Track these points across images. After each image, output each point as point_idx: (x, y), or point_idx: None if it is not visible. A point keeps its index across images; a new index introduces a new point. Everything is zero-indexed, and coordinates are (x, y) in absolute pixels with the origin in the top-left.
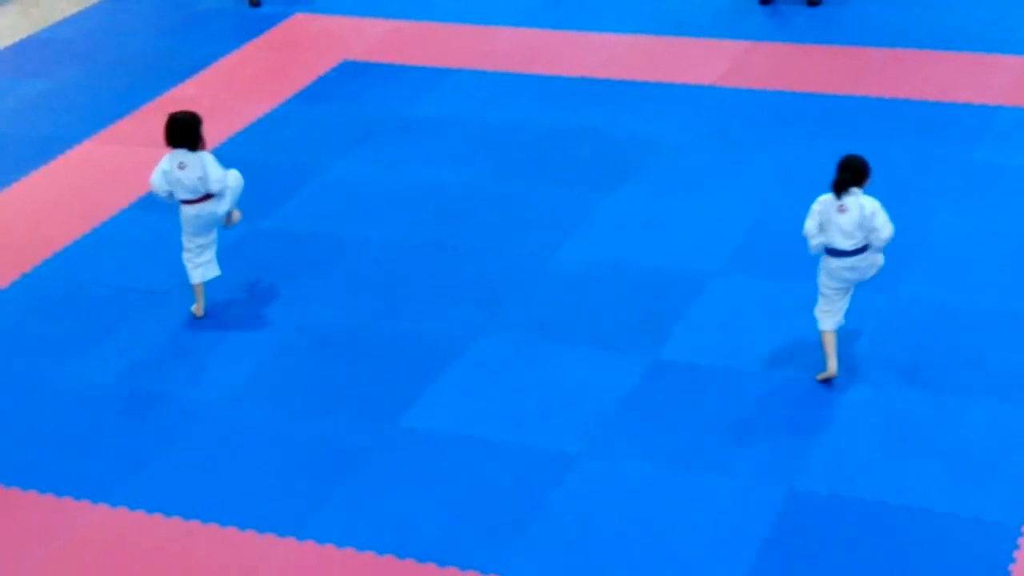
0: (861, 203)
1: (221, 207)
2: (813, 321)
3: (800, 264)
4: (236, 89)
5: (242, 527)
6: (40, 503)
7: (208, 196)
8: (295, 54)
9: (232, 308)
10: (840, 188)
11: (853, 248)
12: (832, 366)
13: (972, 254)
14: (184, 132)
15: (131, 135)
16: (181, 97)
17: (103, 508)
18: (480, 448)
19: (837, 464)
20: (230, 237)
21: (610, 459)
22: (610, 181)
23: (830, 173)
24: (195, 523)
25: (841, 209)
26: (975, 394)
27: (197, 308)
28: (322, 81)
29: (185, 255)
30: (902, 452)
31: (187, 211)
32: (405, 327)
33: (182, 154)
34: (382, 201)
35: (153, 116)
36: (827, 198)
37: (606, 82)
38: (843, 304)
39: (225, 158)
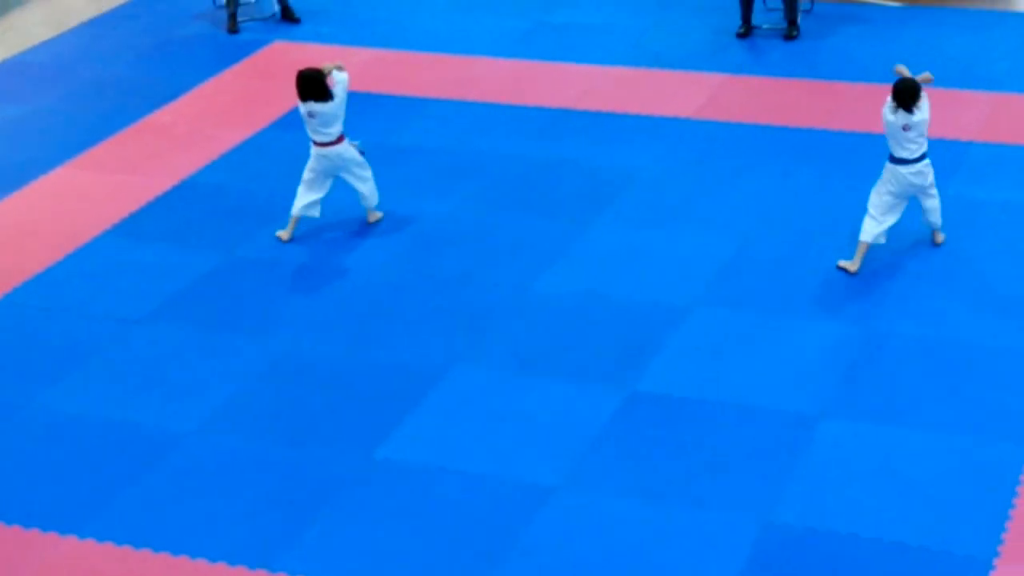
0: (919, 118)
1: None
2: (790, 354)
3: (777, 296)
4: (213, 116)
5: (212, 559)
6: (7, 535)
7: (337, 141)
8: (273, 82)
9: (207, 336)
10: (909, 107)
11: (915, 157)
12: (856, 265)
13: (946, 288)
14: (312, 87)
15: (107, 161)
16: (158, 123)
17: (71, 540)
18: (456, 480)
19: (811, 497)
20: (205, 265)
21: (586, 492)
22: (588, 212)
23: (807, 205)
24: (164, 555)
25: (906, 128)
26: (949, 428)
27: (285, 234)
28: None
29: (302, 186)
30: (876, 485)
31: (317, 151)
32: (382, 357)
33: (311, 105)
34: (360, 230)
35: (129, 142)
36: (894, 118)
37: (585, 113)
38: (890, 219)
39: (202, 185)
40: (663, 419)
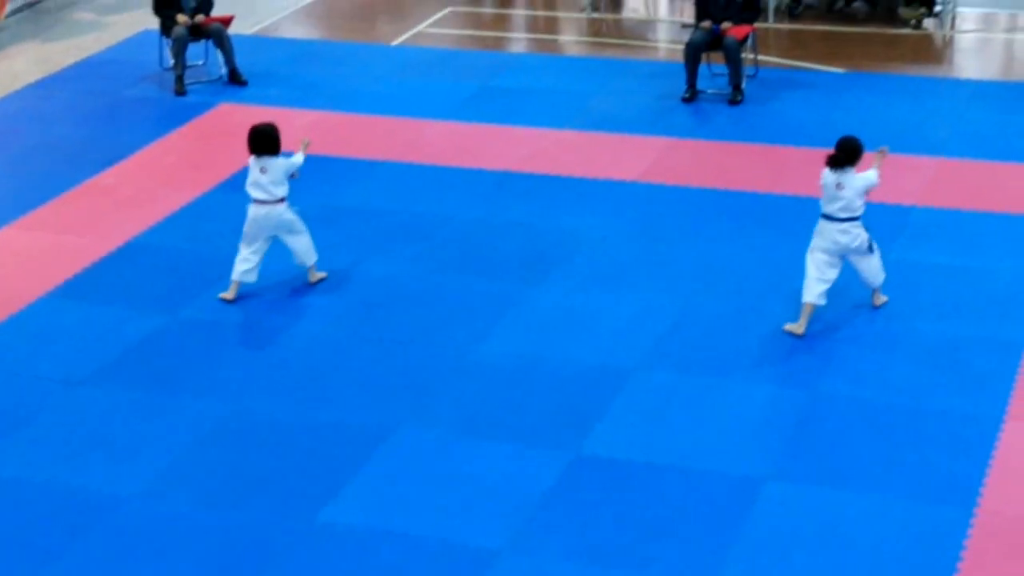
0: (855, 180)
1: (295, 162)
2: (734, 416)
3: (721, 359)
4: (159, 177)
5: None
6: None
7: (279, 202)
8: (220, 143)
9: (151, 398)
10: (835, 164)
11: (847, 216)
12: (802, 327)
13: (888, 351)
14: (265, 141)
15: (51, 222)
16: (103, 185)
17: None
18: (400, 543)
19: (757, 560)
20: (149, 326)
21: (531, 555)
22: (534, 274)
23: (751, 268)
24: None
25: (839, 187)
26: (893, 491)
27: (229, 295)
28: (247, 171)
29: (239, 255)
30: (821, 548)
31: (256, 211)
32: (326, 419)
33: (264, 160)
34: (304, 291)
35: (74, 203)
36: (829, 176)
37: (531, 176)
38: (830, 276)
39: (147, 246)
40: (608, 482)
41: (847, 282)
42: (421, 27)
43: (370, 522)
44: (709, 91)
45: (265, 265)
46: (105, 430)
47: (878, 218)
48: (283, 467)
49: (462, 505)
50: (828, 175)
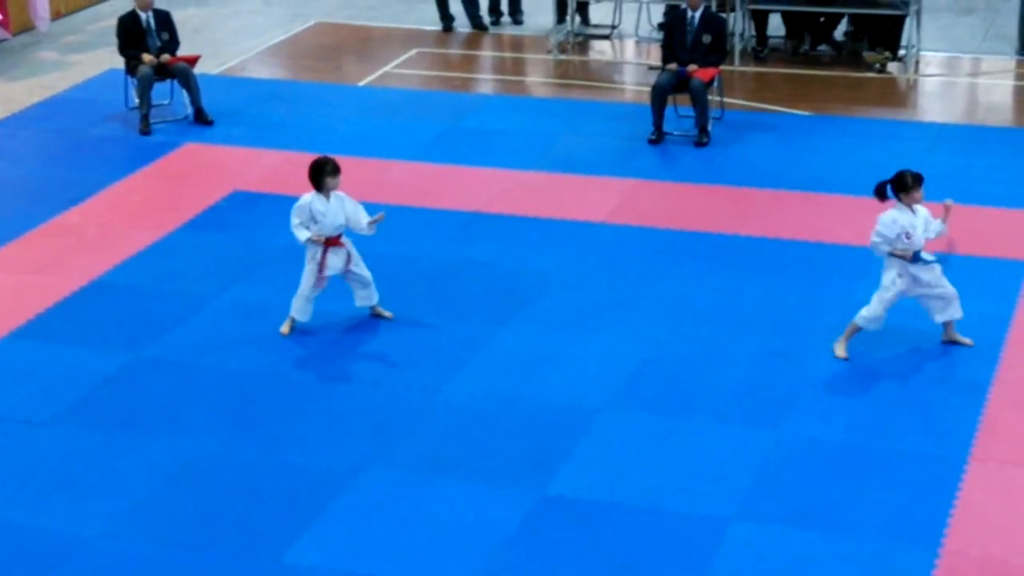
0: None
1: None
2: (701, 457)
3: (688, 399)
4: (124, 217)
5: None
6: None
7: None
8: (185, 183)
9: (115, 438)
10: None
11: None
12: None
13: (853, 392)
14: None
15: (15, 261)
16: (68, 224)
17: None
18: None
19: None
20: (113, 366)
21: None
22: (500, 315)
23: (717, 309)
24: None
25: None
26: (860, 532)
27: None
28: (212, 211)
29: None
30: None
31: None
32: (291, 460)
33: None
34: (270, 331)
35: (38, 243)
36: (907, 218)
37: (498, 217)
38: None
39: (112, 286)
40: (574, 522)
41: (813, 323)
42: (388, 68)
43: (336, 563)
44: (675, 133)
45: (228, 306)
46: (68, 471)
47: (843, 260)
48: (248, 507)
49: (428, 546)
50: (904, 217)
